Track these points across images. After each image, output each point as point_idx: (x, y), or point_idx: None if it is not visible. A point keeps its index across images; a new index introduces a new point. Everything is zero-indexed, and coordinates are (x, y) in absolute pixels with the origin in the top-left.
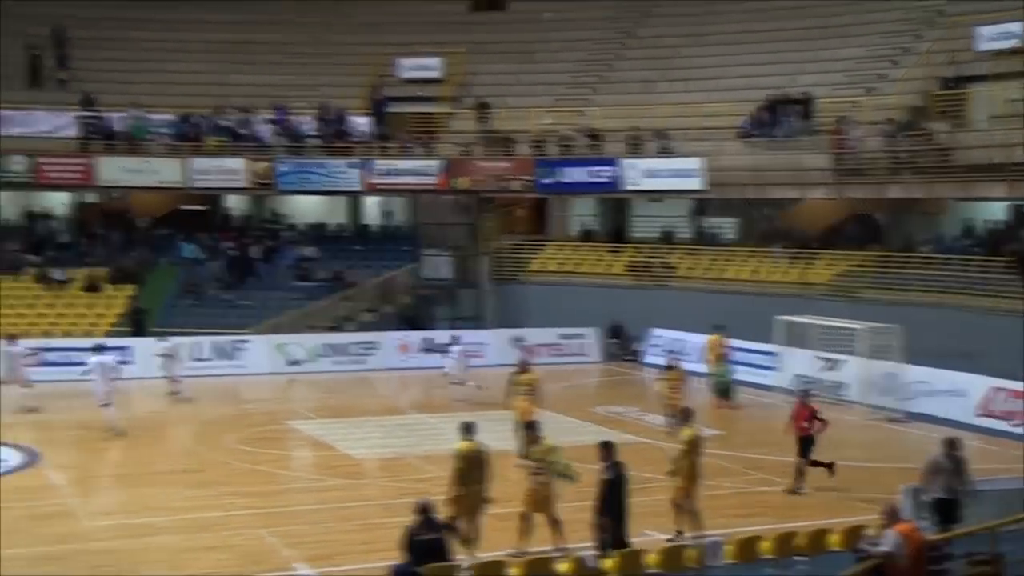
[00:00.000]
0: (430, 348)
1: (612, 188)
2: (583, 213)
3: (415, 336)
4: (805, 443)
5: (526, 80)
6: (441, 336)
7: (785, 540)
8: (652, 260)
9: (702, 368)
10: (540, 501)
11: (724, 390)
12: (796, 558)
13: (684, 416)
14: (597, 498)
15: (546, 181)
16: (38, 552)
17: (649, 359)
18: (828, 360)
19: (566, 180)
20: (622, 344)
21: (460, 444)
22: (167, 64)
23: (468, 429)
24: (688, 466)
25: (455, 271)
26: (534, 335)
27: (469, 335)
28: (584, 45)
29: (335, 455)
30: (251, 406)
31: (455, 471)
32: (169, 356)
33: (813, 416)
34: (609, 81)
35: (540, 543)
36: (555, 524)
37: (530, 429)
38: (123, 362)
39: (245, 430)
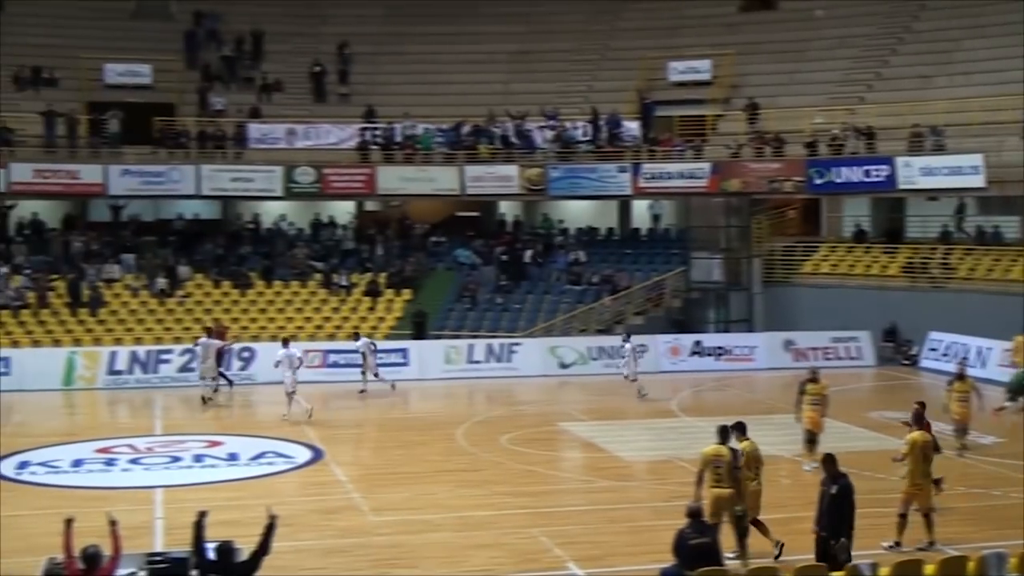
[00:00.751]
0: (700, 351)
1: (887, 187)
2: (856, 213)
3: (685, 339)
4: None
5: (798, 79)
6: (710, 339)
7: None
8: (929, 260)
9: (987, 374)
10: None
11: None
12: None
13: (915, 418)
14: (821, 512)
15: (818, 181)
16: (326, 544)
17: (926, 363)
18: None
19: (839, 180)
20: (897, 347)
21: (706, 448)
22: (443, 76)
23: (722, 433)
24: (911, 470)
25: (725, 274)
26: (805, 338)
27: (739, 338)
28: (858, 41)
29: (605, 457)
30: (523, 407)
31: (697, 474)
32: (364, 355)
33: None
34: (884, 78)
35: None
36: (760, 526)
37: (737, 430)
38: (402, 364)
39: (518, 431)
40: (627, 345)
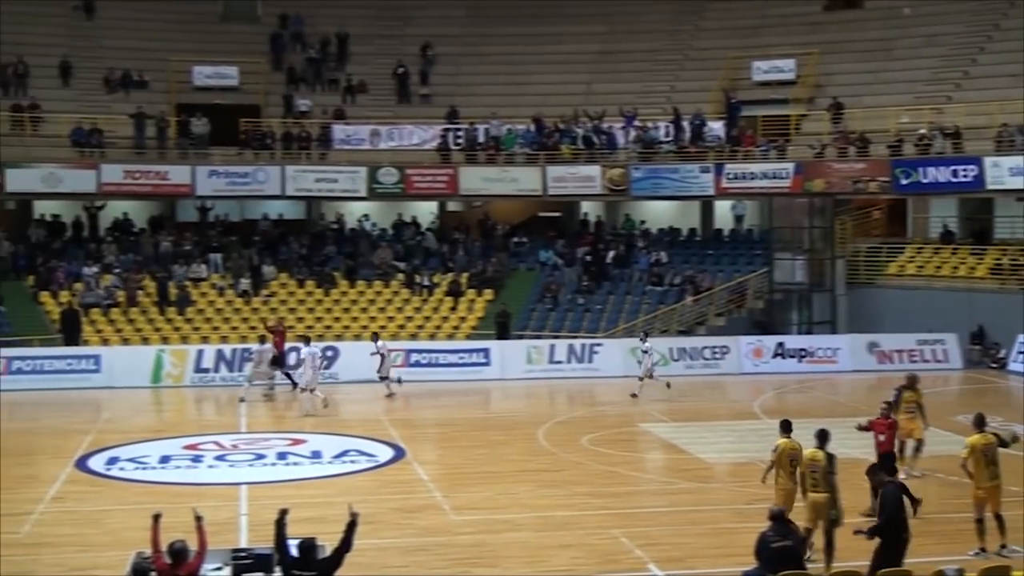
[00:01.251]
0: (783, 353)
1: (975, 187)
2: (944, 214)
3: (768, 341)
4: (884, 460)
5: (883, 78)
6: (793, 341)
7: None
8: (1018, 262)
9: None
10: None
11: None
12: None
13: (977, 422)
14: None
15: (904, 182)
16: (408, 543)
17: (1014, 366)
18: None
19: (925, 180)
20: (985, 350)
21: (804, 451)
22: (525, 76)
23: (820, 436)
24: (976, 474)
25: (808, 275)
26: (890, 341)
27: (823, 340)
28: (945, 40)
29: (686, 458)
30: (605, 408)
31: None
32: (381, 355)
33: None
34: (972, 76)
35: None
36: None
37: (783, 429)
38: (484, 364)
39: (599, 432)
40: (645, 344)
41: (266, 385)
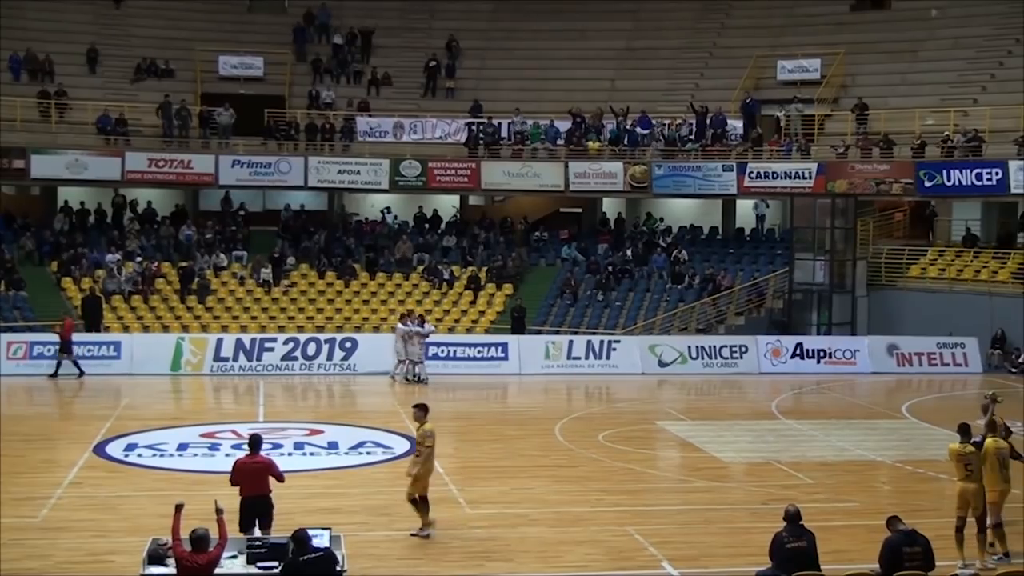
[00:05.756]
0: (801, 354)
1: (999, 191)
2: (967, 217)
3: (787, 341)
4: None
5: (909, 80)
6: (812, 341)
7: None
8: None
9: None
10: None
11: None
12: None
13: (988, 426)
14: None
15: (928, 184)
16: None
17: None
18: None
19: (949, 183)
20: (1005, 355)
21: (952, 445)
22: (550, 71)
23: (963, 430)
24: (989, 478)
25: (829, 276)
26: (910, 343)
27: (842, 342)
28: (973, 42)
29: (702, 457)
30: (622, 405)
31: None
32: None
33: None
34: (999, 80)
35: None
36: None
37: (418, 409)
38: (502, 358)
39: (615, 428)
40: (424, 328)
41: (408, 365)
